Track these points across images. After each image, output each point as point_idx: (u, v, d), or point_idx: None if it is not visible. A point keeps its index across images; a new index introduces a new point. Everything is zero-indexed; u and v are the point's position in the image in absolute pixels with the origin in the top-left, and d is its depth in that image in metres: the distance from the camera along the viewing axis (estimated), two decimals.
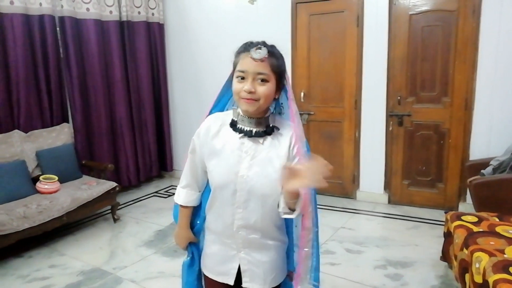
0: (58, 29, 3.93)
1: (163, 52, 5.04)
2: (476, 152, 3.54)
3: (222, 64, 5.35)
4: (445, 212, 2.72)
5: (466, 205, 3.60)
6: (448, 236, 2.55)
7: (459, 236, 2.31)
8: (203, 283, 1.52)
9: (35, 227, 3.06)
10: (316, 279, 1.31)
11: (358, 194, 4.19)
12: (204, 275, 1.46)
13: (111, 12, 4.35)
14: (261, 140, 1.28)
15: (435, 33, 3.64)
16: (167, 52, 5.13)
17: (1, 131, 3.51)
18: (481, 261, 1.96)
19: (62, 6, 3.90)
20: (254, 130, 1.27)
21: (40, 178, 3.43)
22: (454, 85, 3.63)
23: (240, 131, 1.28)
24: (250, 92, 1.20)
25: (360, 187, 4.18)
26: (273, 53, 1.26)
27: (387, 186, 4.07)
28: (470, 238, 2.21)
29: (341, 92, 4.12)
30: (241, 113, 1.28)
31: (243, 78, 1.23)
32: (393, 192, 4.05)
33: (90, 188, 3.53)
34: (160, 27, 4.95)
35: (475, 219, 2.44)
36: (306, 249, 1.22)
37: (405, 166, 3.96)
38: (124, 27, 4.52)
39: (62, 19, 3.93)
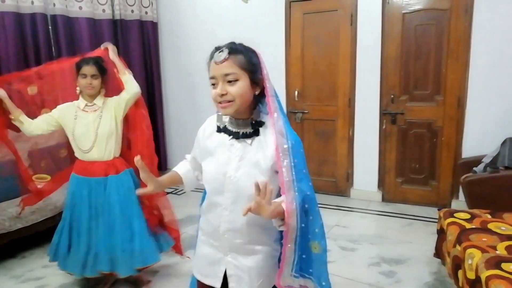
0: (50, 27, 3.90)
1: (156, 51, 5.02)
2: (469, 150, 3.58)
3: None
4: (438, 209, 2.74)
5: (459, 202, 3.63)
6: (441, 233, 2.57)
7: (452, 233, 2.33)
8: None
9: (28, 227, 3.03)
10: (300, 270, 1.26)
11: (352, 192, 4.20)
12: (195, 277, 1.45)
13: (103, 10, 4.32)
14: (249, 141, 1.27)
15: (428, 32, 3.67)
16: (161, 51, 5.11)
17: None
18: (474, 258, 1.98)
19: (54, 5, 3.87)
20: (241, 131, 1.27)
21: (33, 177, 3.39)
22: (446, 83, 3.66)
23: (230, 133, 1.28)
24: (222, 95, 1.20)
25: (354, 185, 4.20)
26: (237, 50, 1.23)
27: (381, 184, 4.09)
28: (463, 234, 2.23)
29: (335, 90, 4.13)
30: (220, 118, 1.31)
31: (214, 84, 1.23)
32: (386, 190, 4.08)
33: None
34: (154, 25, 4.93)
35: (468, 216, 2.47)
36: (289, 245, 1.20)
37: (399, 164, 3.98)
38: (117, 25, 4.50)
39: (54, 17, 3.90)
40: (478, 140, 3.53)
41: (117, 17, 4.48)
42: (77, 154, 2.35)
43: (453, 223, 2.41)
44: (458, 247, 2.17)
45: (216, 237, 1.33)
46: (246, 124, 1.27)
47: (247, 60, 1.22)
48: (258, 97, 1.27)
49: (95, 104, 2.31)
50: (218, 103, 1.23)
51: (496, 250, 2.01)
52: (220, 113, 1.30)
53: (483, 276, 1.84)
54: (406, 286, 2.54)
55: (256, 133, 1.26)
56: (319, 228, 1.23)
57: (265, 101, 1.25)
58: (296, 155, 1.20)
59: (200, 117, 5.22)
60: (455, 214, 2.52)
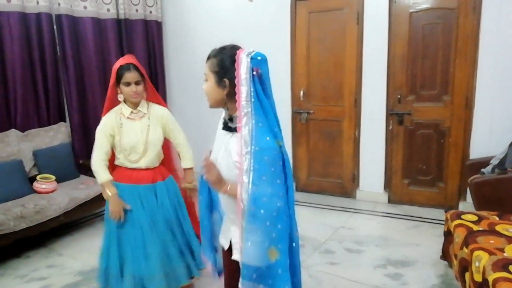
0: (55, 27, 3.90)
1: (161, 50, 5.01)
2: (477, 151, 3.52)
3: None
4: (445, 211, 2.70)
5: (466, 204, 3.58)
6: (448, 235, 2.54)
7: (459, 235, 2.29)
8: None
9: (32, 227, 3.03)
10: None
11: (358, 193, 4.17)
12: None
13: (108, 10, 4.32)
14: (231, 134, 1.42)
15: (436, 31, 3.62)
16: (165, 50, 5.11)
17: None
18: (481, 260, 1.95)
19: (59, 4, 3.87)
20: (229, 124, 1.43)
21: (37, 177, 3.41)
22: (454, 83, 3.61)
23: (223, 124, 1.48)
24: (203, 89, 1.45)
25: (360, 186, 4.16)
26: (211, 55, 1.44)
27: (387, 185, 4.05)
28: (470, 237, 2.20)
29: (341, 90, 4.09)
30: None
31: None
32: (393, 191, 4.03)
33: (88, 188, 3.51)
34: (158, 25, 4.92)
35: (475, 218, 2.43)
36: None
37: (405, 165, 3.93)
38: (122, 25, 4.49)
39: (59, 17, 3.90)
40: (486, 141, 3.47)
41: (122, 16, 4.48)
42: (122, 162, 2.20)
43: (460, 225, 2.37)
44: (465, 249, 2.14)
45: (222, 212, 1.57)
46: (231, 119, 1.42)
47: (217, 64, 1.39)
48: (231, 97, 1.37)
49: (140, 111, 2.20)
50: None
51: (504, 252, 1.98)
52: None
53: (490, 278, 1.81)
54: None
55: (236, 129, 1.36)
56: (277, 233, 1.25)
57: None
58: (258, 161, 1.25)
59: (204, 116, 5.22)
60: (462, 216, 2.48)
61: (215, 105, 1.44)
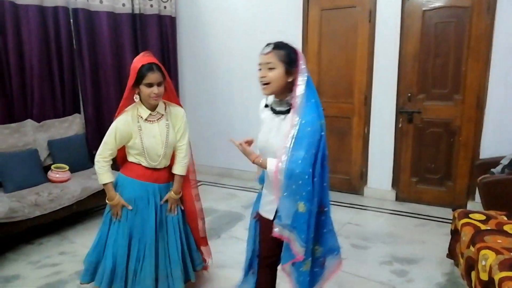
0: (71, 20, 3.98)
1: (174, 45, 5.07)
2: (487, 151, 3.51)
3: (234, 58, 5.40)
4: (453, 210, 2.71)
5: (475, 204, 3.57)
6: (455, 233, 2.54)
7: (466, 234, 2.30)
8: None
9: (46, 215, 3.11)
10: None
11: (366, 190, 4.18)
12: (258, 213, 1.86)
13: (123, 4, 4.39)
14: (283, 116, 1.65)
15: (449, 29, 3.60)
16: (179, 45, 5.16)
17: (14, 121, 3.58)
18: (488, 259, 1.96)
19: None
20: (277, 109, 1.68)
21: (52, 167, 3.49)
22: (466, 82, 3.59)
23: (272, 110, 1.70)
24: (262, 77, 1.62)
25: (368, 183, 4.17)
26: (278, 47, 1.61)
27: (395, 183, 4.05)
28: (477, 235, 2.20)
29: (351, 88, 4.10)
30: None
31: (260, 69, 1.64)
32: (401, 189, 4.04)
33: None
34: (172, 20, 4.97)
35: (483, 217, 2.43)
36: (275, 197, 1.62)
37: (414, 163, 3.93)
38: (137, 20, 4.56)
39: (75, 11, 3.97)
40: (497, 141, 3.45)
41: (136, 11, 4.54)
42: (139, 160, 2.15)
43: (467, 223, 2.38)
44: (472, 248, 2.15)
45: (267, 184, 1.77)
46: (282, 103, 1.66)
47: (285, 55, 1.60)
48: (293, 84, 1.62)
49: (158, 112, 2.13)
50: (261, 84, 1.64)
51: (511, 252, 1.98)
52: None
53: (496, 277, 1.82)
54: (417, 285, 2.52)
55: (288, 111, 1.63)
56: (307, 192, 1.53)
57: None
58: (302, 131, 1.53)
59: (217, 111, 5.25)
60: (470, 215, 2.48)
61: (276, 90, 1.63)
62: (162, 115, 2.15)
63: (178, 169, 2.24)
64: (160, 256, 2.17)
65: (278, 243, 1.69)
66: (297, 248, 1.58)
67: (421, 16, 3.68)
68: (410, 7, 3.71)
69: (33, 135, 3.58)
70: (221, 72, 4.89)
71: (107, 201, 2.15)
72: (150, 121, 2.11)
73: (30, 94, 3.73)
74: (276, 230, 1.61)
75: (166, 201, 2.23)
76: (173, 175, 2.27)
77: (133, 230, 2.15)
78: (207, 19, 4.88)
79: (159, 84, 2.03)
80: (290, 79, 1.62)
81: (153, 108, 2.12)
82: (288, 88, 1.63)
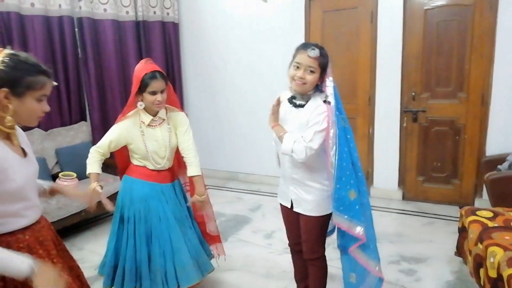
0: (76, 29, 4.04)
1: (177, 51, 5.12)
2: (493, 148, 3.50)
3: (237, 63, 5.41)
4: (460, 207, 2.70)
5: (482, 201, 3.56)
6: (462, 231, 2.54)
7: (473, 231, 2.29)
8: None
9: (54, 222, 3.13)
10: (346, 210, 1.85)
11: (372, 190, 4.17)
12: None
13: (127, 12, 4.44)
14: (300, 109, 1.85)
15: (451, 28, 3.60)
16: (182, 51, 5.20)
17: (22, 129, 3.61)
18: (496, 256, 1.95)
19: (80, 7, 4.01)
20: (297, 102, 1.87)
21: (60, 175, 3.52)
22: (470, 80, 3.59)
23: (291, 102, 1.88)
24: (301, 78, 1.78)
25: (374, 183, 4.17)
26: (322, 54, 1.78)
27: (402, 182, 4.04)
28: (485, 232, 2.20)
29: (355, 88, 4.11)
30: (292, 90, 1.89)
31: (298, 67, 1.78)
32: (407, 189, 4.03)
33: (107, 184, 3.60)
34: (175, 26, 5.02)
35: (491, 214, 2.42)
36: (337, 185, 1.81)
37: (420, 162, 3.93)
38: (140, 27, 4.61)
39: (80, 20, 4.03)
40: (503, 137, 3.44)
41: (140, 18, 4.60)
42: (144, 163, 2.21)
43: (475, 221, 2.37)
44: (480, 245, 2.14)
45: (284, 174, 1.99)
46: (304, 98, 1.85)
47: (325, 62, 1.80)
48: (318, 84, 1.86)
49: (160, 117, 2.17)
50: (293, 80, 1.80)
51: None
52: (291, 87, 1.88)
53: (505, 274, 1.82)
54: (426, 284, 2.52)
55: (304, 105, 1.84)
56: (354, 179, 1.80)
57: (319, 86, 1.86)
58: (347, 127, 1.88)
59: (221, 116, 5.29)
60: (477, 212, 2.48)
61: (308, 90, 1.82)
62: (164, 119, 2.19)
63: (193, 170, 2.23)
64: (182, 249, 2.20)
65: (298, 231, 2.02)
66: (357, 231, 1.80)
67: (423, 15, 3.68)
68: (411, 7, 3.72)
69: (40, 143, 3.62)
70: (225, 77, 4.92)
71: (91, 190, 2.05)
72: (152, 126, 2.15)
73: None
74: (335, 220, 1.84)
75: (175, 192, 2.29)
76: (176, 174, 2.33)
77: (151, 228, 2.18)
78: (210, 24, 4.92)
79: (162, 92, 2.07)
80: (320, 81, 1.83)
81: (155, 113, 2.16)
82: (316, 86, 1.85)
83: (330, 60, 1.83)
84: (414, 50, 3.77)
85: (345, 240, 1.92)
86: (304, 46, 1.78)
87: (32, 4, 3.63)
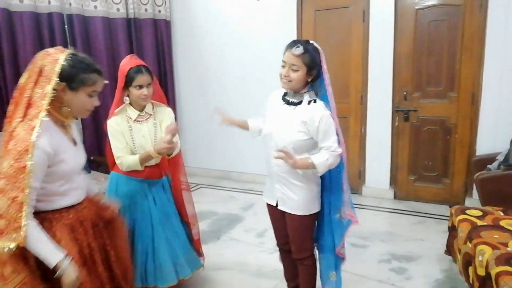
0: (66, 26, 3.98)
1: (169, 48, 5.08)
2: (483, 147, 3.53)
3: (229, 60, 5.39)
4: (450, 207, 2.72)
5: (473, 200, 3.59)
6: (452, 230, 2.56)
7: (463, 230, 2.31)
8: None
9: None
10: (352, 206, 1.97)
11: (364, 189, 4.19)
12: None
13: (118, 9, 4.40)
14: (293, 107, 1.85)
15: (442, 27, 3.63)
16: (174, 48, 5.17)
17: None
18: (484, 254, 1.97)
19: (70, 4, 3.96)
20: (290, 100, 1.87)
21: None
22: (460, 80, 3.62)
23: (284, 100, 1.89)
24: (285, 76, 1.78)
25: (365, 182, 4.19)
26: (307, 50, 1.75)
27: (393, 181, 4.07)
28: (474, 231, 2.22)
29: (347, 87, 4.12)
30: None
31: (283, 66, 1.80)
32: (399, 188, 4.05)
33: (99, 183, 3.59)
34: (167, 24, 4.99)
35: (480, 213, 2.45)
36: (345, 186, 1.90)
37: (411, 161, 3.95)
38: (131, 24, 4.57)
39: (70, 16, 3.98)
40: (493, 137, 3.47)
41: (131, 15, 4.55)
42: None
43: (464, 220, 2.39)
44: (469, 244, 2.16)
45: (270, 172, 1.96)
46: (296, 96, 1.85)
47: (310, 60, 1.76)
48: (310, 82, 1.84)
49: (146, 112, 2.17)
50: (281, 78, 1.81)
51: (507, 247, 2.00)
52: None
53: (493, 272, 1.84)
54: (416, 282, 2.54)
55: (300, 103, 1.84)
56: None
57: (315, 84, 1.86)
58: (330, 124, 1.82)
59: (212, 114, 5.19)
60: (467, 211, 2.50)
61: (296, 87, 1.82)
62: (150, 115, 2.20)
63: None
64: (162, 249, 2.20)
65: (285, 230, 2.02)
66: (353, 213, 1.93)
67: (414, 15, 3.70)
68: (403, 6, 3.74)
69: None
70: (217, 75, 4.90)
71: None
72: (139, 121, 2.16)
73: None
74: (351, 213, 1.92)
75: (163, 189, 2.29)
76: (165, 170, 2.31)
77: (134, 225, 2.18)
78: (202, 22, 4.90)
79: (148, 85, 2.09)
80: (309, 79, 1.81)
81: (141, 108, 2.17)
82: (306, 83, 1.83)
83: (322, 56, 1.80)
84: (405, 49, 3.79)
85: (329, 239, 2.00)
86: (291, 44, 1.78)
87: (21, 0, 3.58)
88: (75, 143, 1.55)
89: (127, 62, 2.10)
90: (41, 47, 3.76)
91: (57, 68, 1.34)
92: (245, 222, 3.65)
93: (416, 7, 3.68)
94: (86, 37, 4.15)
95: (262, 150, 2.00)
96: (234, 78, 4.76)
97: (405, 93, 3.85)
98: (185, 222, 2.42)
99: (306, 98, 1.84)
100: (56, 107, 1.40)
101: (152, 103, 2.23)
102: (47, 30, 3.79)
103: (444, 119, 3.74)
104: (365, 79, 3.99)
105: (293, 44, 1.76)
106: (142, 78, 2.05)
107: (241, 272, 2.76)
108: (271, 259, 2.88)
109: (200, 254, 2.51)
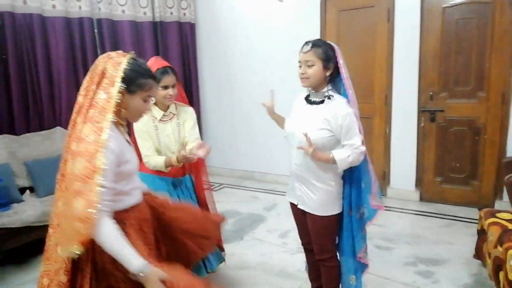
0: (95, 30, 4.13)
1: (194, 51, 5.17)
2: None
3: (253, 61, 5.41)
4: (479, 209, 2.65)
5: (502, 204, 3.48)
6: (481, 233, 2.50)
7: (493, 233, 2.25)
8: None
9: None
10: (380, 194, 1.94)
11: (389, 191, 4.13)
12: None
13: (145, 13, 4.52)
14: (316, 106, 1.87)
15: (470, 26, 3.54)
16: (198, 50, 5.25)
17: (44, 128, 3.73)
18: None
19: (99, 9, 4.10)
20: (312, 99, 1.90)
21: None
22: (490, 79, 3.51)
23: (307, 100, 1.92)
24: (302, 74, 1.83)
25: (390, 183, 4.13)
26: (317, 45, 1.81)
27: (419, 183, 3.99)
28: (505, 235, 2.16)
29: (371, 88, 4.08)
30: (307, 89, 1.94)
31: (300, 66, 1.85)
32: (425, 189, 3.97)
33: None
34: (192, 26, 5.08)
35: (511, 216, 2.37)
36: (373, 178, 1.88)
37: (438, 162, 3.87)
38: (157, 27, 4.68)
39: (99, 21, 4.13)
40: None
41: (157, 19, 4.67)
42: None
43: (494, 223, 2.33)
44: (500, 248, 2.10)
45: (292, 171, 1.99)
46: (318, 94, 1.88)
47: (322, 52, 1.80)
48: (331, 78, 1.86)
49: (170, 112, 2.24)
50: (300, 78, 1.85)
51: None
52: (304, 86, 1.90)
53: None
54: (443, 286, 2.49)
55: (322, 102, 1.86)
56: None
57: (335, 81, 1.89)
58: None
59: (238, 114, 5.30)
60: (497, 214, 2.43)
61: (314, 84, 1.84)
62: (174, 114, 2.26)
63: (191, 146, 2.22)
64: None
65: (307, 230, 2.03)
66: (381, 203, 1.91)
67: (441, 13, 3.63)
68: (429, 5, 3.67)
69: (62, 141, 3.70)
70: (241, 76, 4.94)
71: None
72: (163, 121, 2.22)
73: (58, 102, 3.88)
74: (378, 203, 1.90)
75: (186, 187, 2.36)
76: (187, 169, 2.37)
77: None
78: (226, 24, 4.95)
79: (173, 86, 2.15)
80: (328, 73, 1.83)
81: (166, 108, 2.23)
82: (325, 80, 1.85)
83: (337, 51, 1.83)
84: (431, 48, 3.71)
85: (349, 242, 2.00)
86: (302, 46, 1.85)
87: (54, 6, 3.73)
88: (129, 144, 1.59)
89: (153, 63, 2.15)
90: (72, 50, 3.92)
91: (120, 72, 1.37)
92: (268, 222, 3.67)
93: (443, 5, 3.61)
94: (114, 41, 4.28)
95: (284, 151, 2.02)
96: (258, 79, 4.79)
97: (431, 93, 3.77)
98: None
99: (333, 99, 1.85)
100: (116, 110, 1.40)
101: (175, 103, 2.29)
102: (78, 34, 3.94)
103: (473, 120, 3.65)
104: (390, 79, 3.93)
105: (304, 44, 1.84)
106: (168, 79, 2.11)
107: (265, 272, 2.78)
108: (294, 259, 2.88)
109: (222, 249, 2.55)
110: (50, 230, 1.46)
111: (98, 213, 1.26)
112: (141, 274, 1.29)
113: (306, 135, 1.76)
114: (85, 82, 1.41)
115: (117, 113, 1.42)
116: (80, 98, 1.41)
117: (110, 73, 1.37)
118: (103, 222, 1.28)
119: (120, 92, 1.38)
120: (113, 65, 1.38)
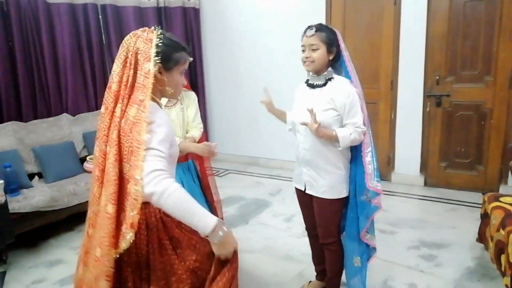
0: (100, 16, 4.13)
1: (198, 36, 5.15)
2: None
3: (257, 48, 5.38)
4: (483, 194, 2.66)
5: (508, 188, 3.48)
6: (485, 217, 2.51)
7: (496, 217, 2.26)
8: None
9: (84, 203, 3.26)
10: (378, 176, 1.92)
11: (393, 176, 4.14)
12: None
13: None
14: (319, 89, 1.89)
15: (478, 8, 3.48)
16: (203, 36, 5.23)
17: (51, 115, 3.78)
18: None
19: None
20: (314, 83, 1.91)
21: (87, 158, 3.66)
22: (497, 63, 3.47)
23: (308, 84, 1.94)
24: (307, 57, 1.84)
25: (395, 169, 4.13)
26: (321, 29, 1.83)
27: (424, 168, 3.99)
28: (508, 218, 2.17)
29: (377, 72, 4.05)
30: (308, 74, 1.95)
31: (303, 50, 1.86)
32: (429, 174, 3.98)
33: None
34: (196, 12, 5.04)
35: None
36: (367, 158, 1.87)
37: (443, 147, 3.86)
38: (162, 12, 4.66)
39: (104, 7, 4.12)
40: None
41: (161, 4, 4.64)
42: None
43: (498, 207, 2.34)
44: (502, 231, 2.12)
45: (298, 156, 2.02)
46: (320, 78, 1.89)
47: (326, 36, 1.82)
48: (332, 61, 1.88)
49: None
50: (303, 62, 1.87)
51: None
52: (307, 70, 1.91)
53: None
54: (446, 269, 2.51)
55: (325, 84, 1.88)
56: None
57: (336, 64, 1.91)
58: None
59: (242, 101, 5.29)
60: (501, 198, 2.43)
61: (318, 67, 1.86)
62: (178, 100, 2.29)
63: (194, 131, 2.34)
64: None
65: (313, 215, 2.06)
66: (377, 186, 1.90)
67: None
68: None
69: (68, 128, 3.76)
70: (245, 62, 4.92)
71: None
72: (168, 106, 2.26)
73: (64, 90, 3.91)
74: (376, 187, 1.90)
75: (188, 170, 2.40)
76: (189, 155, 2.37)
77: None
78: (230, 9, 4.91)
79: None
80: (331, 57, 1.86)
81: None
82: (327, 64, 1.87)
83: (338, 35, 1.87)
84: (438, 32, 3.67)
85: (354, 224, 2.00)
86: (305, 30, 1.87)
87: None
88: None
89: None
90: (77, 37, 3.93)
91: (153, 48, 1.29)
92: (272, 207, 3.71)
93: None
94: (119, 27, 4.28)
95: (288, 137, 2.02)
96: (262, 65, 4.76)
97: (437, 77, 3.74)
98: (210, 203, 2.51)
99: (334, 79, 1.89)
100: (154, 89, 1.32)
101: None
102: (82, 21, 3.95)
103: (479, 104, 3.62)
104: (396, 63, 3.90)
105: (306, 29, 1.86)
106: None
107: (270, 256, 2.83)
108: (299, 243, 2.92)
109: None
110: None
111: (162, 173, 1.19)
112: (220, 232, 1.23)
113: (311, 110, 1.78)
114: (117, 68, 1.30)
115: (155, 93, 1.34)
116: (114, 86, 1.29)
117: (143, 51, 1.29)
118: (167, 182, 1.19)
119: (159, 72, 1.32)
120: (145, 42, 1.30)
